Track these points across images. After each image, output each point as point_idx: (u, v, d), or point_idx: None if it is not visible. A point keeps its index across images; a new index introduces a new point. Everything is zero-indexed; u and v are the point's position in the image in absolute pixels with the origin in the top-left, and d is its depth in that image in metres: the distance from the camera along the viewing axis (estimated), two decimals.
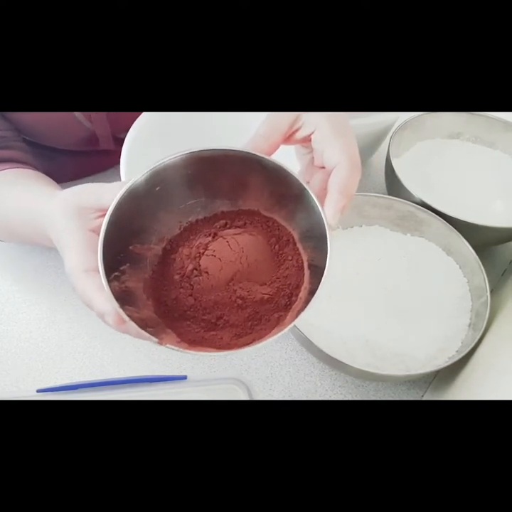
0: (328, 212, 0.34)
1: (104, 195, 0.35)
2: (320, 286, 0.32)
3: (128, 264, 0.35)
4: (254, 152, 0.35)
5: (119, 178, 0.51)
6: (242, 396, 0.46)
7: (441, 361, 0.51)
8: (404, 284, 0.57)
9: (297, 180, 0.34)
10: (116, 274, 0.33)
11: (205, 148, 0.35)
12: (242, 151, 0.35)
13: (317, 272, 0.34)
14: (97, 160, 0.71)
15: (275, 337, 0.33)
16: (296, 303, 0.35)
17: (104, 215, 0.35)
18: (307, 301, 0.33)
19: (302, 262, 0.37)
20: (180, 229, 0.38)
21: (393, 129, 0.68)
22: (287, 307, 0.35)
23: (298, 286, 0.36)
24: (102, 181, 0.37)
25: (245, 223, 0.38)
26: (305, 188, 0.34)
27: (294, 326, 0.34)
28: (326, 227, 0.33)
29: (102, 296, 0.32)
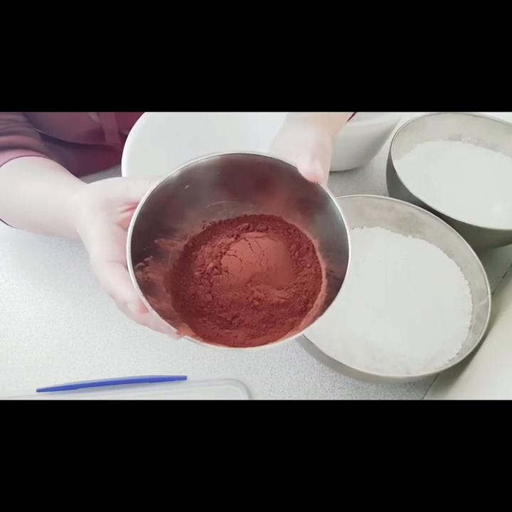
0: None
1: (131, 189, 0.36)
2: (337, 296, 0.33)
3: (151, 257, 0.36)
4: (283, 159, 0.35)
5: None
6: (242, 397, 0.46)
7: (442, 363, 0.51)
8: (405, 286, 0.57)
9: (323, 191, 0.35)
10: (140, 264, 0.34)
11: (238, 152, 0.35)
12: (272, 158, 0.35)
13: (335, 281, 0.35)
14: (100, 156, 0.71)
15: (290, 339, 0.33)
16: (312, 309, 0.35)
17: (130, 209, 0.36)
18: (323, 309, 0.34)
19: (320, 271, 0.37)
20: (203, 228, 0.39)
21: (395, 131, 0.68)
22: (302, 313, 0.36)
23: (315, 294, 0.36)
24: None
25: (267, 228, 0.39)
26: (331, 199, 0.34)
27: None
28: (349, 240, 0.33)
29: (125, 286, 0.33)
